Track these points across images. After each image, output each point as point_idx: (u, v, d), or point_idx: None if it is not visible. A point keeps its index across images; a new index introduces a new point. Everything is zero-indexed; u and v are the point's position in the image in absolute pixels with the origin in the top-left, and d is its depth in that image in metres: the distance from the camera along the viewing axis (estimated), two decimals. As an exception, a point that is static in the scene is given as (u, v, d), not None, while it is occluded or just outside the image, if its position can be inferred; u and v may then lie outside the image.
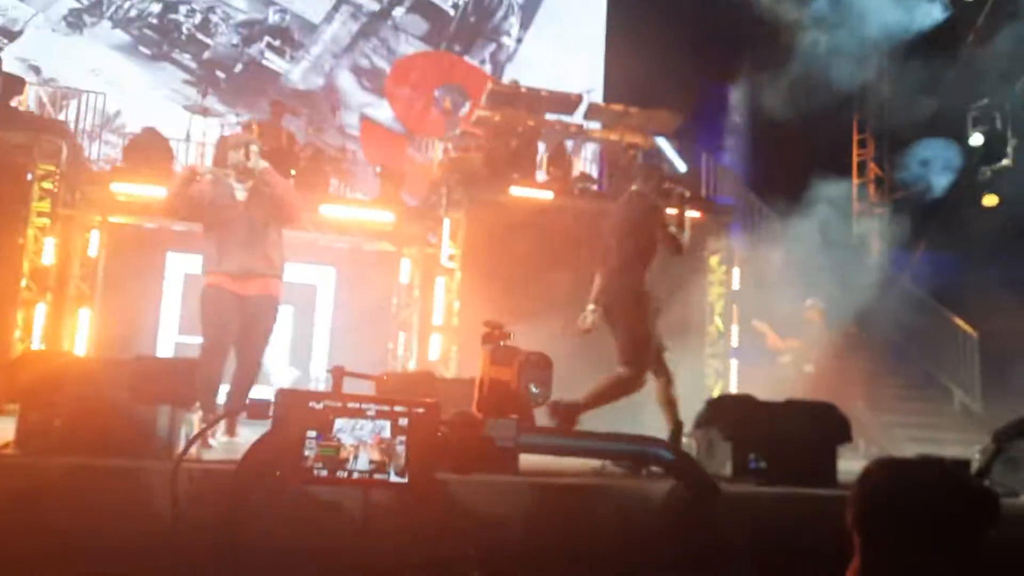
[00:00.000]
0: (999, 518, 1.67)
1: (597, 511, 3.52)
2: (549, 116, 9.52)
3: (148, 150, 8.71)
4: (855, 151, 13.22)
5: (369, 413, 1.94)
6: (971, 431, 7.93)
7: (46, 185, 7.93)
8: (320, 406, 1.90)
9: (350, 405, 1.92)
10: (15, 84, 8.41)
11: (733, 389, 8.84)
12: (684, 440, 4.99)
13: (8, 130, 7.85)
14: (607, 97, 11.58)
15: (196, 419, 3.78)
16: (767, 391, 5.14)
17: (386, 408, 1.95)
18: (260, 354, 5.20)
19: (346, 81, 11.04)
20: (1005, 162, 11.01)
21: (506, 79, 11.19)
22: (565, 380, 3.80)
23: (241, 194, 5.08)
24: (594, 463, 4.48)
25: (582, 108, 9.69)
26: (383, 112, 10.87)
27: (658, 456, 1.92)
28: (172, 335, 8.42)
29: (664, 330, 5.27)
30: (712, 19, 11.97)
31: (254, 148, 5.11)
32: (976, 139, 11.24)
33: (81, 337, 8.18)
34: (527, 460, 3.94)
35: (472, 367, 6.37)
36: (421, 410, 1.94)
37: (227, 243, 5.00)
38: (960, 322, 10.23)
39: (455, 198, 8.42)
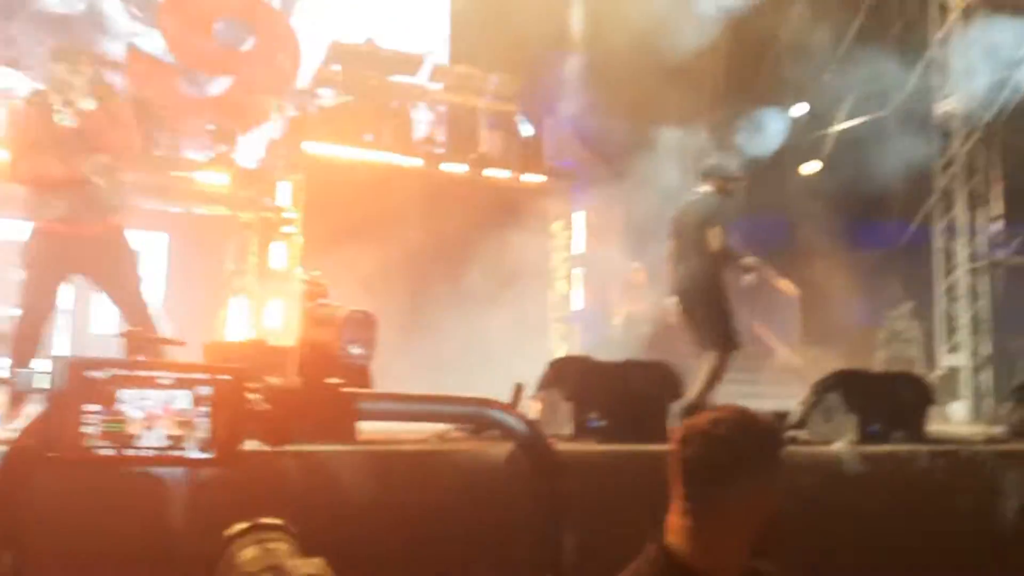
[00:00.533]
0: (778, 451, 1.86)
1: (437, 476, 3.50)
2: (392, 77, 9.31)
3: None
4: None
5: (163, 382, 1.70)
6: (792, 384, 8.46)
7: None
8: (102, 375, 1.65)
9: (138, 373, 1.68)
10: None
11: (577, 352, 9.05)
12: (528, 402, 5.06)
13: None
14: (453, 59, 11.43)
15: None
16: (610, 353, 5.29)
17: (184, 376, 1.72)
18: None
19: (111, 7, 10.16)
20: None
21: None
22: (401, 346, 3.75)
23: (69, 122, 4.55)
24: (436, 427, 4.46)
25: (426, 69, 9.54)
26: (153, 43, 10.04)
27: (495, 419, 1.87)
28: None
29: (506, 295, 5.35)
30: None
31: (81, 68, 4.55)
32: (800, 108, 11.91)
33: None
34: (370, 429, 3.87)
35: (313, 335, 6.20)
36: (227, 377, 1.74)
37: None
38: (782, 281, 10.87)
39: (294, 160, 8.11)
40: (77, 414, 1.57)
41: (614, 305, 9.72)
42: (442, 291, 5.02)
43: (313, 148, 8.13)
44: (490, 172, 9.10)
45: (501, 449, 3.71)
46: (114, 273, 4.75)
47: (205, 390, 1.67)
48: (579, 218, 9.62)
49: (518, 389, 5.17)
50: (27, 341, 4.73)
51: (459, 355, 7.28)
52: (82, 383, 1.58)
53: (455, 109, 9.50)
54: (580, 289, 9.44)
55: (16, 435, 1.60)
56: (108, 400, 1.60)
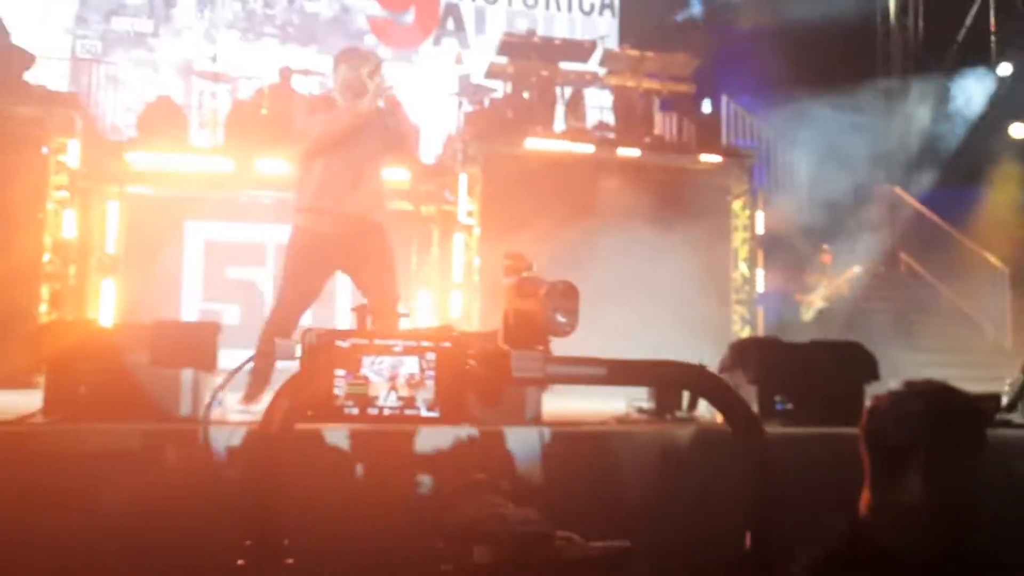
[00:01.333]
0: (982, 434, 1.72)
1: (622, 457, 3.50)
2: (563, 65, 9.36)
3: (162, 119, 8.71)
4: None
5: (396, 349, 1.92)
6: (1002, 366, 7.81)
7: (62, 158, 7.94)
8: (347, 344, 1.88)
9: (377, 342, 1.91)
10: (25, 58, 8.39)
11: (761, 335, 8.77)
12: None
13: (21, 104, 7.85)
14: (622, 43, 11.35)
15: (216, 381, 3.77)
16: (796, 335, 5.09)
17: (413, 344, 1.93)
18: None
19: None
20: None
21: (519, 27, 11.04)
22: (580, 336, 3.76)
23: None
24: (618, 410, 4.46)
25: (597, 55, 9.52)
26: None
27: (711, 386, 1.88)
28: (196, 302, 8.45)
29: (688, 278, 5.22)
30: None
31: (364, 70, 4.51)
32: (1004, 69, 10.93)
33: (106, 307, 8.23)
34: (549, 408, 3.92)
35: (494, 323, 6.37)
36: (448, 344, 1.92)
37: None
38: (989, 256, 10.05)
39: (471, 153, 8.33)
40: (330, 378, 1.77)
41: (800, 287, 9.35)
42: (620, 276, 5.01)
43: (488, 141, 8.31)
44: (666, 155, 8.96)
45: (686, 431, 3.67)
46: (385, 268, 4.80)
47: (431, 356, 1.83)
48: (760, 197, 9.28)
49: (699, 370, 5.08)
50: (281, 332, 4.92)
51: (639, 341, 7.24)
52: (333, 351, 1.78)
53: (627, 93, 9.42)
54: (762, 270, 9.11)
55: (271, 399, 1.76)
56: (354, 366, 1.79)
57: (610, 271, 6.86)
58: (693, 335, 6.66)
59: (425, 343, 1.89)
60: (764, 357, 4.56)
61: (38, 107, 7.94)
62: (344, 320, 8.53)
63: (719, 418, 4.09)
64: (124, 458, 3.05)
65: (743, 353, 4.72)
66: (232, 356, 4.89)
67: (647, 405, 4.45)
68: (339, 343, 1.81)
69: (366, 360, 1.84)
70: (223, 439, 3.31)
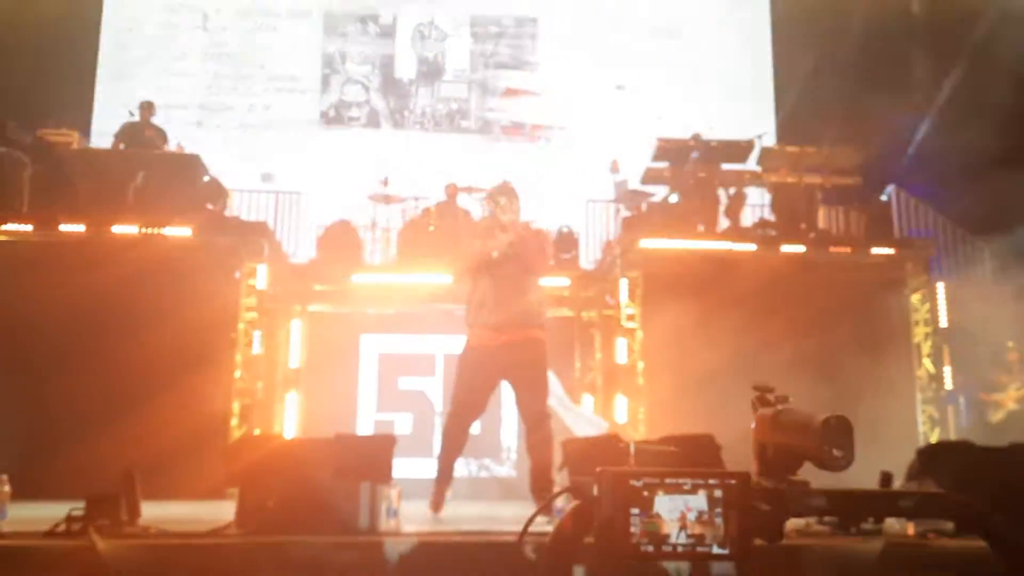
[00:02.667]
0: None
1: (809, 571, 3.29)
2: (722, 166, 9.35)
3: (340, 241, 9.34)
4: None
5: (685, 487, 1.99)
6: None
7: (251, 282, 8.63)
8: (640, 483, 1.98)
9: (668, 481, 1.98)
10: (220, 191, 9.29)
11: (951, 437, 8.12)
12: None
13: (218, 234, 8.64)
14: (780, 140, 11.24)
15: (394, 494, 3.88)
16: (988, 438, 4.69)
17: (700, 481, 2.00)
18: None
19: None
20: None
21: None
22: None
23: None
24: (797, 521, 4.22)
25: (755, 153, 9.46)
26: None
27: (972, 518, 1.83)
28: (371, 413, 8.80)
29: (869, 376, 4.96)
30: (887, 50, 11.44)
31: (502, 201, 5.28)
32: None
33: (290, 420, 8.72)
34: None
35: (660, 428, 6.23)
36: (733, 482, 1.99)
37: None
38: None
39: (631, 257, 8.38)
40: (626, 517, 1.83)
41: (984, 385, 8.66)
42: (795, 376, 4.82)
43: (647, 244, 8.34)
44: (833, 249, 8.66)
45: (873, 545, 3.42)
46: (531, 382, 5.22)
47: (718, 492, 1.87)
48: (940, 289, 8.75)
49: (885, 478, 4.77)
50: (454, 440, 5.37)
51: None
52: (628, 490, 1.86)
53: (788, 189, 9.26)
54: (949, 367, 8.50)
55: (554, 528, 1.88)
56: (647, 504, 1.86)
57: (784, 373, 6.61)
58: (876, 438, 6.26)
59: (712, 480, 1.95)
60: (957, 463, 4.21)
61: (233, 236, 8.72)
62: (510, 427, 8.62)
63: (910, 529, 3.79)
64: (310, 570, 3.17)
65: (933, 458, 4.38)
66: (406, 464, 5.09)
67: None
68: (632, 482, 1.89)
69: (658, 498, 1.91)
70: (398, 551, 3.39)
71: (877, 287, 8.37)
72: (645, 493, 1.86)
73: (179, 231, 8.20)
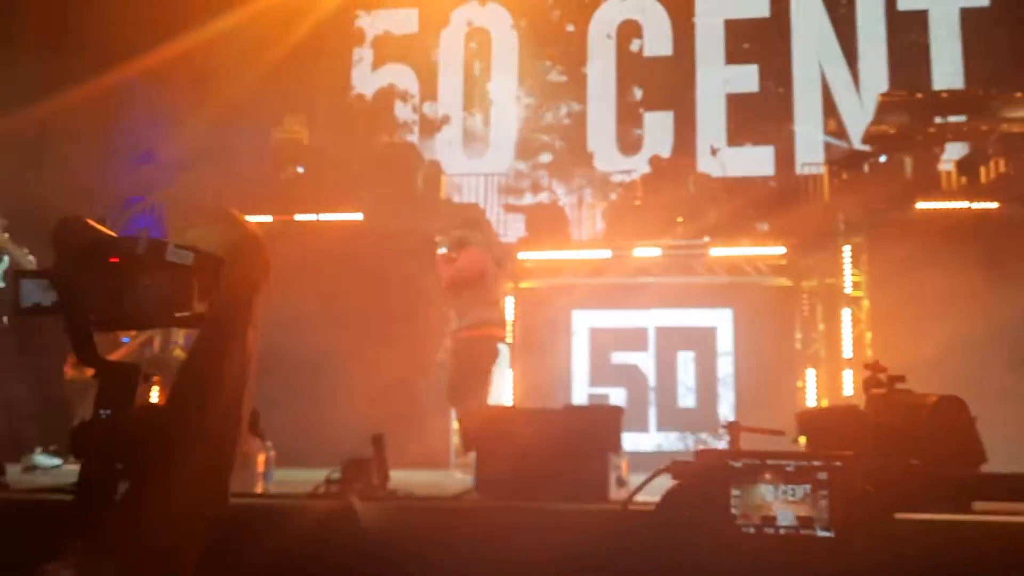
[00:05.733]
0: None
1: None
2: (952, 119, 8.61)
3: (546, 219, 9.48)
4: None
5: (788, 469, 1.96)
6: None
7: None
8: (739, 465, 1.98)
9: (770, 463, 1.96)
10: (435, 173, 9.67)
11: None
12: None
13: (432, 218, 9.01)
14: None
15: (622, 463, 3.90)
16: None
17: (804, 464, 1.95)
18: None
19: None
20: None
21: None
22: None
23: None
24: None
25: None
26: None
27: None
28: (583, 387, 8.89)
29: None
30: None
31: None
32: None
33: (506, 393, 8.97)
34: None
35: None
36: (839, 464, 1.92)
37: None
38: None
39: (853, 222, 7.91)
40: (726, 497, 1.84)
41: None
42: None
43: (872, 207, 7.84)
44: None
45: (981, 525, 3.07)
46: None
47: (822, 475, 1.83)
48: None
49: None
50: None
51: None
52: (727, 472, 1.85)
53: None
54: None
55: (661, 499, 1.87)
56: (749, 485, 1.85)
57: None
58: None
59: (816, 463, 1.90)
60: None
61: (444, 219, 9.06)
62: (727, 401, 8.43)
63: None
64: (552, 535, 3.24)
65: None
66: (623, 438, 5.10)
67: None
68: (732, 464, 1.88)
69: (760, 480, 1.90)
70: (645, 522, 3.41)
71: None
72: (746, 474, 1.86)
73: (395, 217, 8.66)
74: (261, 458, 4.00)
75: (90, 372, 1.16)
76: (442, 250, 6.96)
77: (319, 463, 4.91)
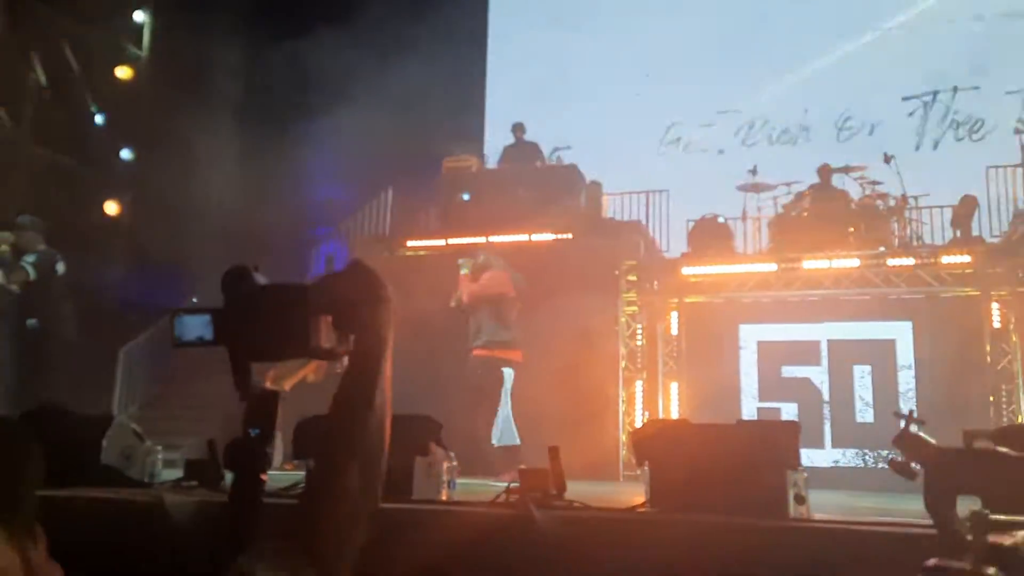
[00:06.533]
0: None
1: None
2: None
3: (709, 234, 9.41)
4: None
5: None
6: None
7: (631, 277, 9.04)
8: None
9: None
10: (596, 193, 9.82)
11: None
12: None
13: (596, 236, 9.17)
14: None
15: (802, 480, 3.85)
16: None
17: None
18: None
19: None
20: None
21: None
22: None
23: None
24: None
25: None
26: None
27: None
28: (752, 401, 8.74)
29: None
30: None
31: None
32: None
33: (674, 407, 8.96)
34: None
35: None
36: None
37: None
38: None
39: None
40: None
41: None
42: None
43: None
44: None
45: None
46: None
47: None
48: None
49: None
50: None
51: None
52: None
53: None
54: None
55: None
56: None
57: None
58: None
59: None
60: None
61: (608, 236, 9.21)
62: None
63: None
64: (727, 549, 3.28)
65: None
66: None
67: None
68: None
69: None
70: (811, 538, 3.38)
71: None
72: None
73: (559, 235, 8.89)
74: (445, 467, 4.23)
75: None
76: (464, 271, 7.22)
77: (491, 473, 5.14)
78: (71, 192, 10.78)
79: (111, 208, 11.76)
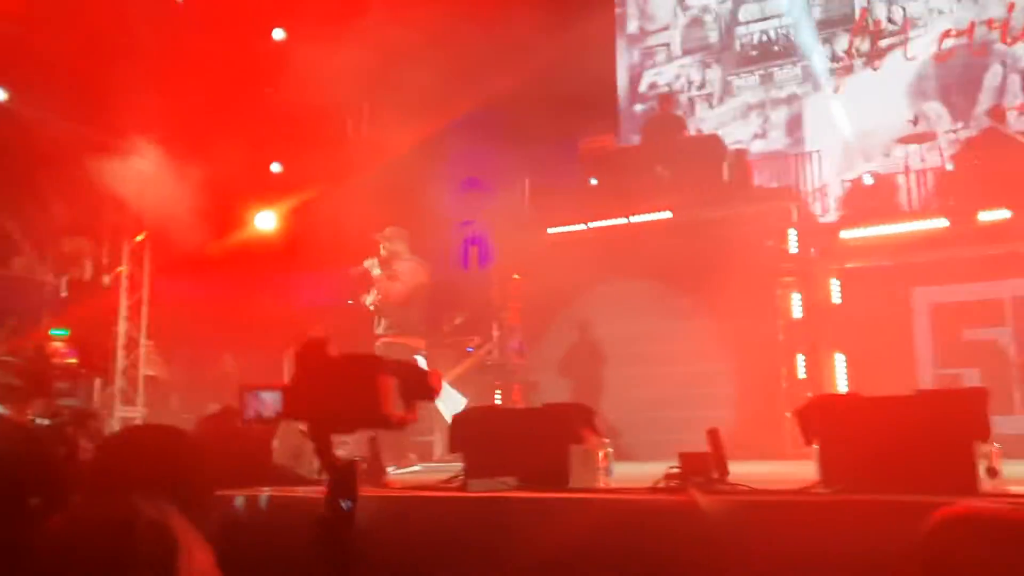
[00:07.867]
0: None
1: None
2: None
3: (869, 193, 8.85)
4: None
5: None
6: None
7: (784, 246, 8.59)
8: None
9: None
10: (741, 161, 9.40)
11: None
12: None
13: (743, 204, 8.77)
14: None
15: (992, 451, 3.52)
16: None
17: None
18: None
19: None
20: None
21: None
22: None
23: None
24: None
25: None
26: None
27: None
28: (928, 369, 8.14)
29: None
30: None
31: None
32: None
33: (840, 379, 8.47)
34: None
35: None
36: None
37: None
38: None
39: None
40: None
41: None
42: None
43: None
44: None
45: None
46: None
47: None
48: None
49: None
50: None
51: None
52: None
53: None
54: None
55: None
56: None
57: None
58: None
59: None
60: None
61: (756, 204, 8.78)
62: None
63: None
64: (910, 529, 3.02)
65: None
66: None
67: None
68: None
69: None
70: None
71: None
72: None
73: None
74: (601, 454, 4.15)
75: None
76: (375, 272, 7.91)
77: (654, 457, 5.01)
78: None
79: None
